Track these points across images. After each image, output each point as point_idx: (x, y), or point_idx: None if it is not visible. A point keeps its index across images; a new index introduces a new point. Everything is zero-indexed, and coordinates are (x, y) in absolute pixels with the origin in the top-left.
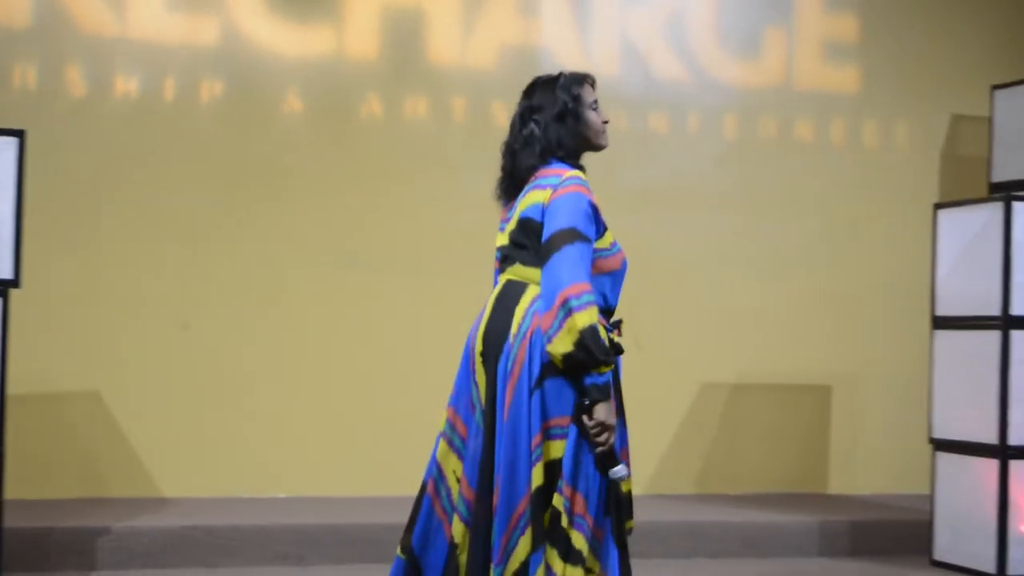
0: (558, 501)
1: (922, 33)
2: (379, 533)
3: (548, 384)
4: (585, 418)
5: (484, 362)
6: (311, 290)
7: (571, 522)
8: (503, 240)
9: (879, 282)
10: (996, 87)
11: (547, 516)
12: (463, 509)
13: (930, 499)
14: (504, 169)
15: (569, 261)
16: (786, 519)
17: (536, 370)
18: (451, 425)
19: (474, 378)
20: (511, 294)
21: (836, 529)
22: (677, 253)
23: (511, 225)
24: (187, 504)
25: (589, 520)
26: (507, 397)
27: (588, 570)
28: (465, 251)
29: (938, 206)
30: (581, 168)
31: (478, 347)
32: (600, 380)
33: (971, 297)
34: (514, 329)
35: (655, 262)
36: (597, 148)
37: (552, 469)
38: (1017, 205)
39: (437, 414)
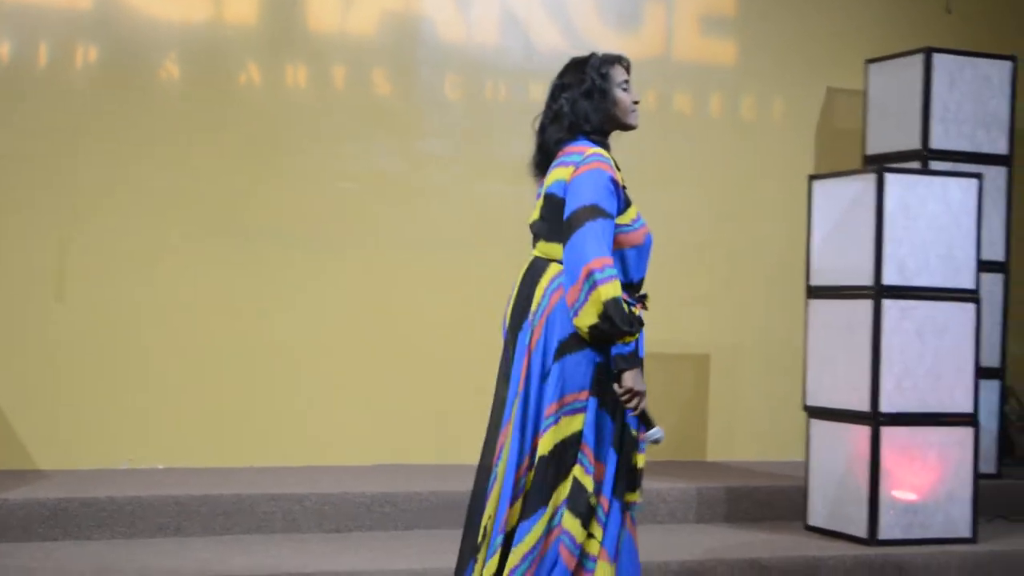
0: (580, 472)
1: (798, 8)
2: (256, 503)
3: (567, 359)
4: (616, 386)
5: (511, 337)
6: (189, 259)
7: (598, 493)
8: (534, 216)
9: (756, 252)
10: (869, 61)
11: (567, 487)
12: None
13: (805, 466)
14: (537, 145)
15: (591, 236)
16: (665, 486)
17: (553, 346)
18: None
19: (506, 352)
20: (535, 271)
21: (713, 496)
22: None
23: (539, 201)
24: (63, 476)
25: (600, 495)
26: (522, 372)
27: (590, 534)
28: (342, 220)
29: (813, 178)
30: (606, 146)
31: (507, 322)
32: (626, 350)
33: (844, 267)
34: (534, 306)
35: None
36: (626, 127)
37: (566, 443)
38: (889, 177)
39: (313, 385)
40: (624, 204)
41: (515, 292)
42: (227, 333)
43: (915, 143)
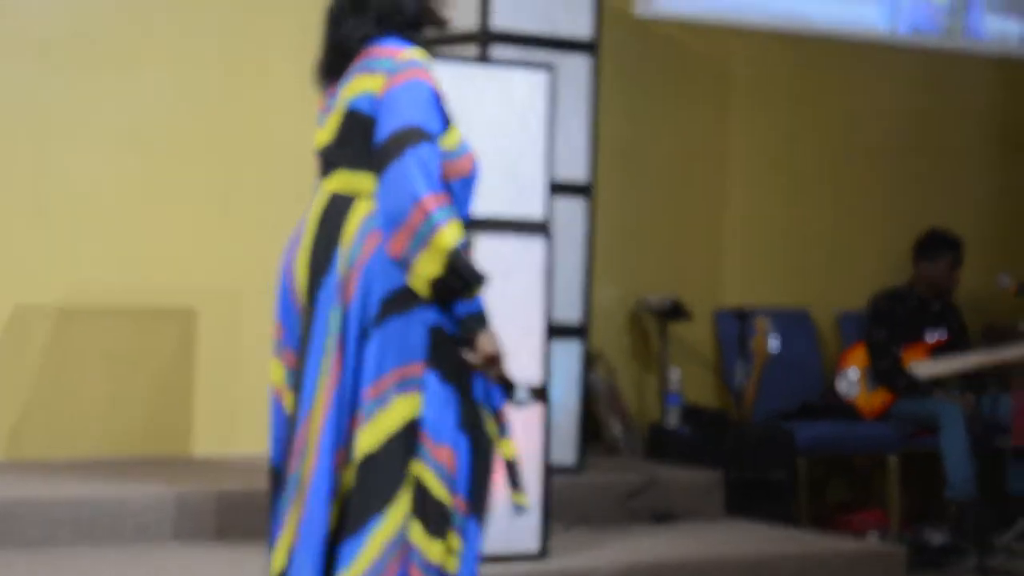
0: (422, 469)
1: None
2: None
3: (391, 323)
4: (468, 353)
5: (311, 298)
6: None
7: (449, 489)
8: (325, 137)
9: (262, 166)
10: None
11: (408, 492)
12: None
13: None
14: (327, 41)
15: (418, 167)
16: (131, 493)
17: (375, 306)
18: (295, 373)
19: (303, 318)
20: (336, 210)
21: (200, 504)
22: None
23: (334, 117)
24: None
25: (454, 494)
26: (335, 342)
27: (449, 548)
28: None
29: None
30: (423, 46)
31: (300, 279)
32: (475, 307)
33: None
34: (344, 255)
35: None
36: (441, 22)
37: (401, 434)
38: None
39: None
40: (446, 123)
41: (309, 239)
42: None
43: (472, 22)
